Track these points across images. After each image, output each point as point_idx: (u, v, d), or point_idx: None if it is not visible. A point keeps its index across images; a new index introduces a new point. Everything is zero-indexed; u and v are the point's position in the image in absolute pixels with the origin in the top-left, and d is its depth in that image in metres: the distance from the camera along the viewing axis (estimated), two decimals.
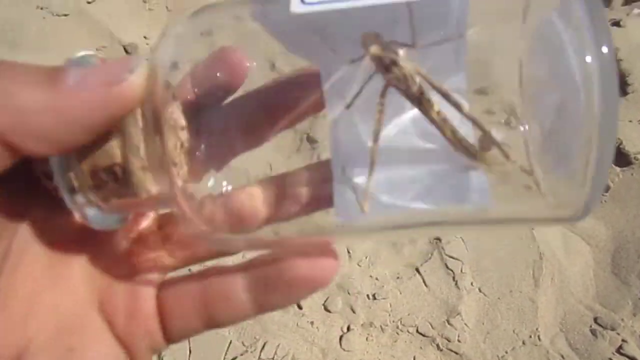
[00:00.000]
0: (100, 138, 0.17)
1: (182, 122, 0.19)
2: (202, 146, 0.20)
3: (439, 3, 0.20)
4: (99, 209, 0.18)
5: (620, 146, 0.89)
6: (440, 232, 0.70)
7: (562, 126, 0.19)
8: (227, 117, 0.20)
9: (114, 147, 0.17)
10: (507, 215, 0.20)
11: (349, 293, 0.81)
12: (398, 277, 0.84)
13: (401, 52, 0.19)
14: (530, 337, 0.80)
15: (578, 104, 0.17)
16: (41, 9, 1.22)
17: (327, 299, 0.81)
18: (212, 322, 0.20)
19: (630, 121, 0.92)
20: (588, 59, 0.16)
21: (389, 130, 0.20)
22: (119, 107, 0.16)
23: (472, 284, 0.83)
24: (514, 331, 0.80)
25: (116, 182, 0.18)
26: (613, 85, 0.16)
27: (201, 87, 0.19)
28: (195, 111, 0.19)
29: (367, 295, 0.81)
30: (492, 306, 0.82)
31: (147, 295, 0.20)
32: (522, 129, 0.20)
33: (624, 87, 0.94)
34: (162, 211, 0.22)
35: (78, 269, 0.20)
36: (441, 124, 0.20)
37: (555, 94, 0.19)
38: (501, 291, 0.83)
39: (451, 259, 0.85)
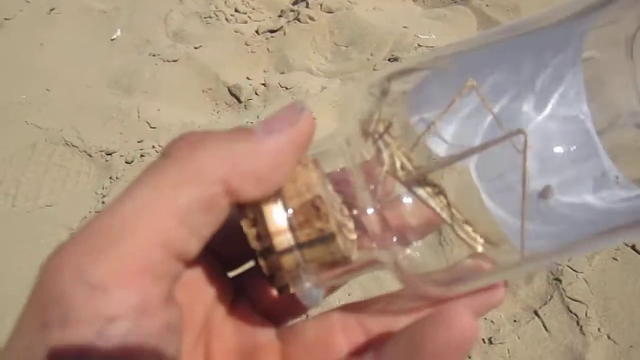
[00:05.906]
0: (307, 207, 0.18)
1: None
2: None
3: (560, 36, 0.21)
4: (311, 283, 0.19)
5: None
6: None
7: None
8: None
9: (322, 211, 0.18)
10: None
11: None
12: (515, 320, 0.78)
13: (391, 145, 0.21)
14: None
15: None
16: (153, 55, 1.31)
17: None
18: None
19: None
20: None
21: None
22: (304, 141, 0.18)
23: (599, 329, 0.76)
24: None
25: (323, 243, 0.18)
26: None
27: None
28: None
29: (483, 340, 0.77)
30: (624, 355, 0.74)
31: None
32: None
33: None
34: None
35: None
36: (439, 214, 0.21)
37: None
38: (634, 339, 0.75)
39: (574, 302, 0.79)
